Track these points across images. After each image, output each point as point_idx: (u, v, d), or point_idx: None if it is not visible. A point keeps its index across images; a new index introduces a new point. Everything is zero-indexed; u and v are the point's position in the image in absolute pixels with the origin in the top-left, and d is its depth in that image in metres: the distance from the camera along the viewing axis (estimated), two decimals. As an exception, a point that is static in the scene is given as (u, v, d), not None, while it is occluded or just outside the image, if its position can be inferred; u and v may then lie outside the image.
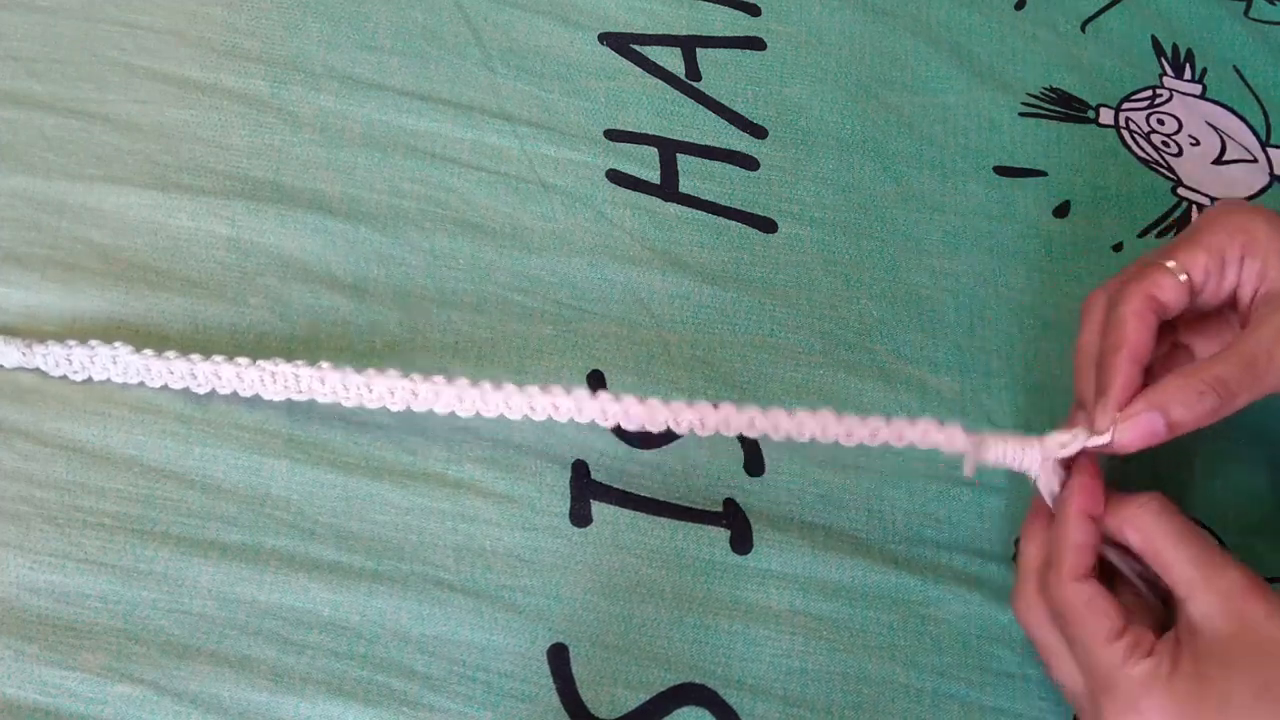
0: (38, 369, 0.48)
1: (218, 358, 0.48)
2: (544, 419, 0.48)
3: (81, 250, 0.51)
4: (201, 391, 0.48)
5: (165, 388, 0.48)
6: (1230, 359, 0.41)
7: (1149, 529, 0.41)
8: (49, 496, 0.46)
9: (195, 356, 0.48)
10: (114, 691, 0.43)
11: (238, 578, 0.45)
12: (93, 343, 0.48)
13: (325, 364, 0.48)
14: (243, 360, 0.48)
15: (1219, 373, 0.40)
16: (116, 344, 0.48)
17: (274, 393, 0.48)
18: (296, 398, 0.48)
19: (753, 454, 0.50)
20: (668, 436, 0.50)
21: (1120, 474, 0.48)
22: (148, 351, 0.48)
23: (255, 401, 0.49)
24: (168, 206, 0.53)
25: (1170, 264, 0.41)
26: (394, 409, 0.48)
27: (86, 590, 0.45)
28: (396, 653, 0.45)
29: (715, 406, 0.47)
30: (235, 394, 0.48)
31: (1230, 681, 0.37)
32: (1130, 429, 0.41)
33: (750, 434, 0.48)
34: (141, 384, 0.49)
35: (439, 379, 0.48)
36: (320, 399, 0.48)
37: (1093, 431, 0.42)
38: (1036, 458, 0.43)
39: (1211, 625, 0.38)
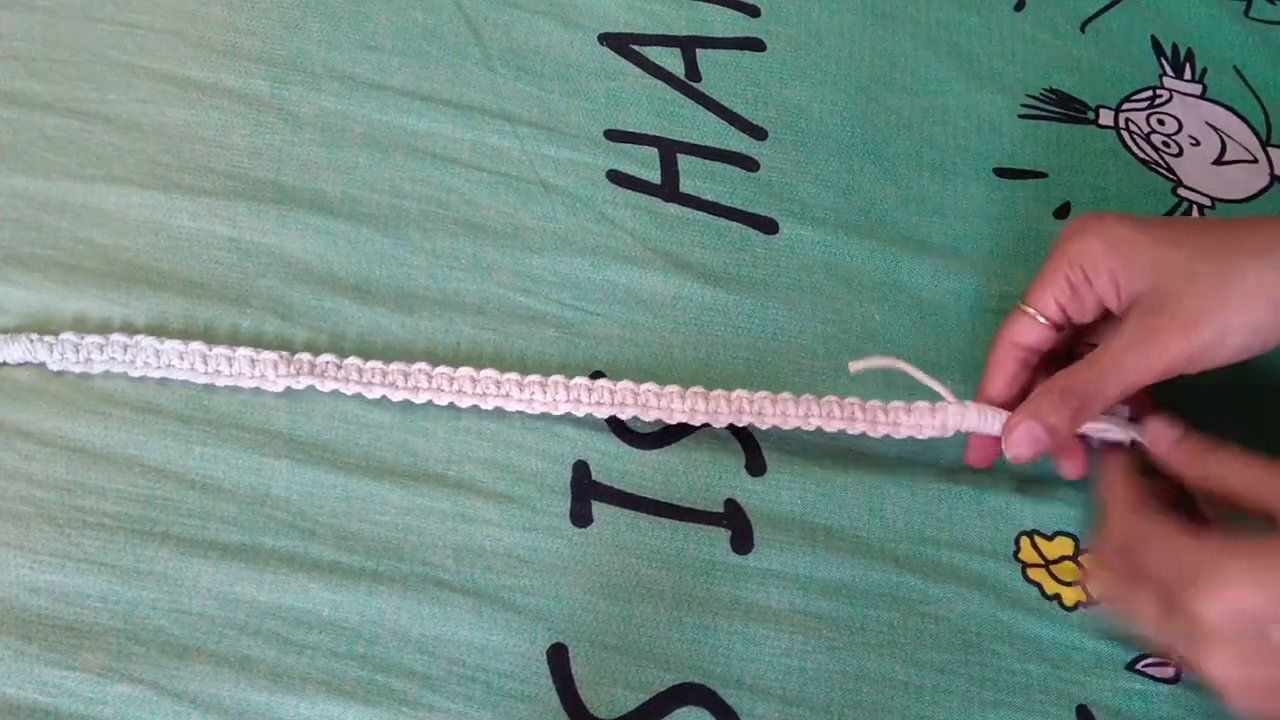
0: (42, 364, 0.49)
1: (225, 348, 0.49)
2: (541, 411, 0.49)
3: (83, 251, 0.51)
4: (205, 380, 0.48)
5: (166, 382, 0.49)
6: (1080, 370, 0.45)
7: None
8: (49, 496, 0.46)
9: (203, 344, 0.49)
10: (114, 691, 0.43)
11: (238, 578, 0.45)
12: (113, 336, 0.49)
13: (329, 355, 0.49)
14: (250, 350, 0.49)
15: (1069, 382, 0.45)
16: (136, 336, 0.49)
17: (279, 379, 0.48)
18: (297, 385, 0.48)
19: (754, 454, 0.50)
20: (669, 436, 0.50)
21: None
22: (166, 339, 0.49)
23: (256, 402, 0.49)
24: (169, 207, 0.53)
25: (1029, 309, 0.46)
26: (395, 398, 0.49)
27: (86, 590, 0.45)
28: (396, 653, 0.45)
29: (727, 397, 0.49)
30: (238, 386, 0.49)
31: None
32: (1016, 441, 0.46)
33: (754, 422, 0.49)
34: (144, 379, 0.49)
35: (444, 368, 0.49)
36: (323, 387, 0.48)
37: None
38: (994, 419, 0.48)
39: None
